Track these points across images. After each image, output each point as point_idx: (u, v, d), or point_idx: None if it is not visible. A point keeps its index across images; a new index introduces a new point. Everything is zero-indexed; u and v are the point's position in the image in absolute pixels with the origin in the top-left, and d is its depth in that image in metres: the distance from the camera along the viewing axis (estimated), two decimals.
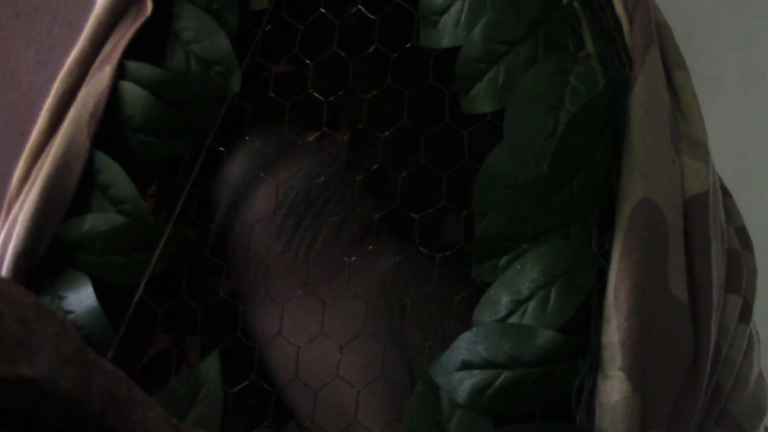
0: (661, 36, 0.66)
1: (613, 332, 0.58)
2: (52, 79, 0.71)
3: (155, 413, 0.52)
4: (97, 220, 0.68)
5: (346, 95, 0.75)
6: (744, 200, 0.74)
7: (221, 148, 0.71)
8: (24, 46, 1.06)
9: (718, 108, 1.07)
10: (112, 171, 0.68)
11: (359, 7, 0.71)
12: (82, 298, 0.67)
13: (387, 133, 0.71)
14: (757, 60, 1.15)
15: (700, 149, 0.64)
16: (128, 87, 0.69)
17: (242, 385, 0.69)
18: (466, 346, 0.61)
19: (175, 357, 0.76)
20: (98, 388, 0.48)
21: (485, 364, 0.60)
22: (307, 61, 0.72)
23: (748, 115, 1.14)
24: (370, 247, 0.72)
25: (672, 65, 0.66)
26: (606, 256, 0.60)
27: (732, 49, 1.15)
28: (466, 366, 0.61)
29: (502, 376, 0.60)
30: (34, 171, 0.69)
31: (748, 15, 1.15)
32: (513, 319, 0.61)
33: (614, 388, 0.58)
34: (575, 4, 0.65)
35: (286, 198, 0.73)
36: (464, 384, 0.60)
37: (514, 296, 0.61)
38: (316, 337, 0.69)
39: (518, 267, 0.62)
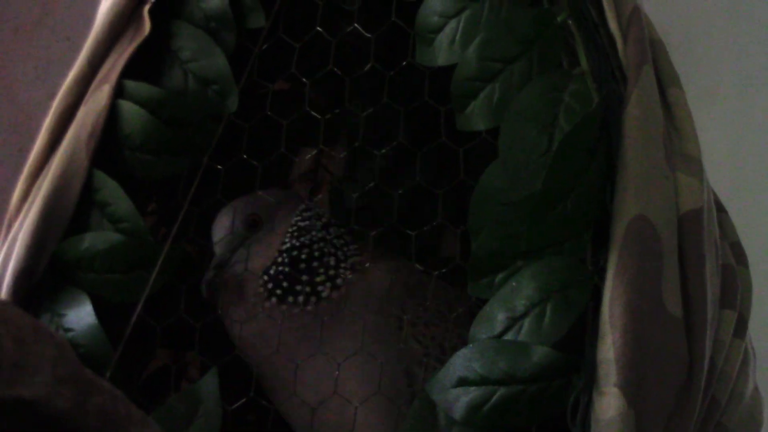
0: (655, 53, 0.67)
1: (608, 348, 0.58)
2: (51, 94, 0.71)
3: None
4: (95, 239, 0.68)
5: (343, 113, 0.75)
6: (740, 211, 0.74)
7: (219, 167, 0.71)
8: (22, 61, 1.07)
9: (714, 118, 1.07)
10: (110, 189, 0.69)
11: (355, 25, 0.71)
12: (81, 315, 0.67)
13: (383, 151, 0.71)
14: (754, 70, 1.15)
15: (695, 165, 0.64)
16: (127, 106, 0.69)
17: (241, 402, 0.69)
18: (462, 362, 0.61)
19: (174, 373, 0.76)
20: (95, 408, 0.49)
21: (481, 381, 0.60)
22: (304, 80, 0.72)
23: (744, 124, 1.14)
24: (367, 265, 0.72)
25: (666, 82, 0.66)
26: (600, 273, 0.61)
27: (728, 59, 1.15)
28: (463, 382, 0.61)
29: (498, 393, 0.60)
30: (34, 190, 0.70)
31: (745, 25, 1.15)
32: (508, 336, 0.61)
33: (609, 404, 0.58)
34: (569, 22, 0.65)
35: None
36: (461, 400, 0.61)
37: (510, 313, 0.61)
38: (311, 355, 0.69)
39: (513, 284, 0.62)
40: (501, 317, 0.61)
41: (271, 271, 0.72)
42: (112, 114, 0.69)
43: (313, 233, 0.73)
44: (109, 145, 0.69)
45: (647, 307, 0.59)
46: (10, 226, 0.70)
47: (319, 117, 0.72)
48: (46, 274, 0.68)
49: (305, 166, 0.85)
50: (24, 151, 0.71)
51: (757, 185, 1.11)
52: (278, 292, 0.71)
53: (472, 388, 0.61)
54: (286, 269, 0.71)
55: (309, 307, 0.70)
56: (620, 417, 0.57)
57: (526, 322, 0.61)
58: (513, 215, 0.62)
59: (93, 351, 0.66)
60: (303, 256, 0.72)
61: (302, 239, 0.73)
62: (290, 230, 0.74)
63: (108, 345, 0.67)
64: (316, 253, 0.72)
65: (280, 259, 0.72)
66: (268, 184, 0.76)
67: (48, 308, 0.68)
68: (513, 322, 0.61)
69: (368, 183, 0.73)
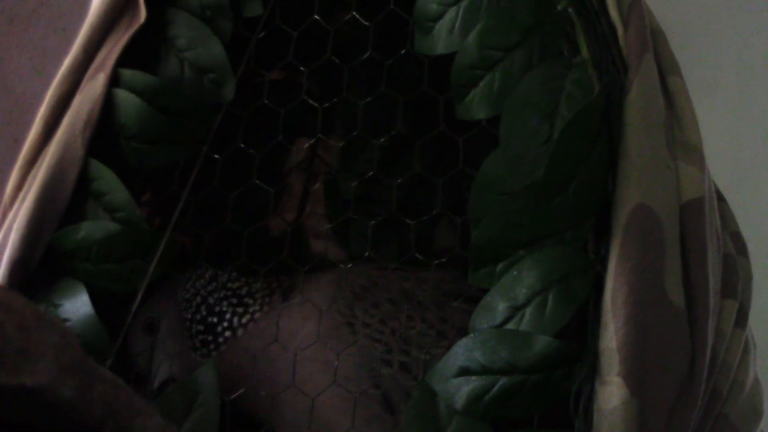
0: (655, 41, 0.66)
1: (611, 338, 0.58)
2: (47, 85, 0.71)
3: (154, 422, 0.52)
4: (91, 228, 0.68)
5: (341, 102, 0.75)
6: (740, 202, 0.74)
7: (216, 156, 0.71)
8: (18, 52, 1.06)
9: (714, 110, 1.07)
10: (106, 179, 0.68)
11: (353, 13, 0.71)
12: (77, 306, 0.67)
13: (382, 140, 0.71)
14: (754, 62, 1.15)
15: (696, 154, 0.64)
16: (122, 95, 0.69)
17: (239, 392, 0.69)
18: (463, 352, 0.61)
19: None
20: (98, 397, 0.48)
21: (483, 371, 0.60)
22: (302, 68, 0.72)
23: (744, 116, 1.14)
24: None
25: (667, 70, 0.66)
26: (602, 261, 0.60)
27: (729, 50, 1.15)
28: (464, 372, 0.60)
29: (500, 383, 0.60)
30: (29, 179, 0.69)
31: (745, 16, 1.15)
32: (510, 326, 0.61)
33: (612, 394, 0.58)
34: (570, 10, 0.65)
35: None
36: (462, 390, 0.60)
37: (511, 302, 0.61)
38: (309, 346, 0.69)
39: (515, 273, 0.62)
40: (502, 307, 0.61)
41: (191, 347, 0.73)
42: (107, 103, 0.68)
43: (198, 297, 0.74)
44: (104, 134, 0.69)
45: (649, 297, 0.59)
46: (4, 216, 0.70)
47: (316, 106, 0.72)
48: (41, 264, 0.68)
49: (301, 156, 0.84)
50: (19, 142, 0.71)
51: (758, 177, 1.11)
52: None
53: (474, 378, 0.60)
54: (198, 338, 0.72)
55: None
56: (623, 406, 0.57)
57: (528, 312, 0.60)
58: (514, 204, 0.62)
59: (90, 341, 0.66)
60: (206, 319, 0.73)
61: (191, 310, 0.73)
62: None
63: (105, 335, 0.66)
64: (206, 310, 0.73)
65: (190, 344, 0.73)
66: (265, 174, 0.75)
67: (44, 298, 0.67)
68: (514, 311, 0.61)
69: (366, 173, 0.73)
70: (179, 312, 0.73)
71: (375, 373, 0.69)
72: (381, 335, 0.70)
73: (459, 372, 0.61)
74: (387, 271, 0.73)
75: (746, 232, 0.71)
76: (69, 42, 0.72)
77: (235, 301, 0.72)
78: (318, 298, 0.71)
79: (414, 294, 0.72)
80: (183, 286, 0.74)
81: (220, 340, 0.71)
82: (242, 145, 0.73)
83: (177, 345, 0.73)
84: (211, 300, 0.72)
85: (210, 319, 0.72)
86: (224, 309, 0.72)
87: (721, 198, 0.71)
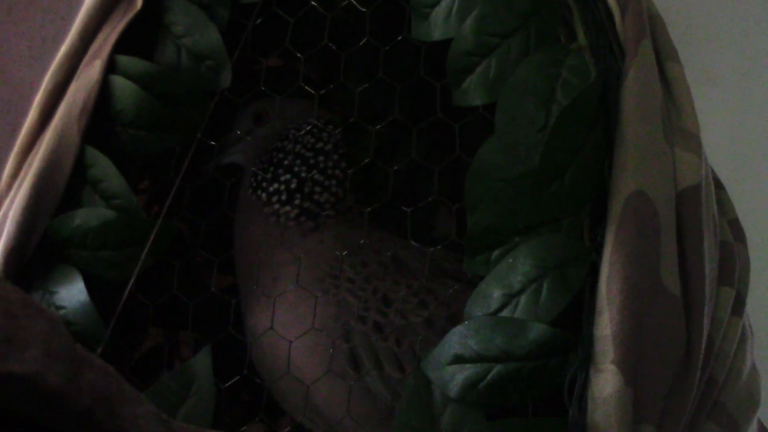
0: (653, 27, 0.66)
1: (605, 325, 0.58)
2: (45, 73, 0.71)
3: (145, 409, 0.52)
4: (87, 215, 0.68)
5: (338, 89, 0.74)
6: (739, 192, 0.73)
7: (212, 143, 0.71)
8: (16, 41, 1.06)
9: (713, 100, 1.06)
10: (102, 166, 0.68)
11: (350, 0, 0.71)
12: (73, 293, 0.67)
13: (378, 127, 0.71)
14: (754, 52, 1.14)
15: (693, 141, 0.64)
16: (119, 81, 0.68)
17: (234, 380, 0.68)
18: (457, 340, 0.61)
19: (167, 352, 0.76)
20: (87, 385, 0.48)
21: (477, 358, 0.60)
22: (298, 55, 0.71)
23: (743, 106, 1.13)
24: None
25: (664, 57, 0.66)
26: (598, 249, 0.60)
27: (728, 40, 1.14)
28: (458, 360, 0.60)
29: (494, 370, 0.59)
30: (25, 166, 0.69)
31: (745, 6, 1.14)
32: (505, 313, 0.60)
33: (606, 381, 0.57)
34: None
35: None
36: (456, 378, 0.60)
37: (506, 290, 0.61)
38: (308, 332, 0.69)
39: (510, 260, 0.61)
40: (497, 294, 0.61)
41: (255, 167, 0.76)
42: (103, 89, 0.68)
43: (298, 147, 0.75)
44: (100, 121, 0.68)
45: (645, 284, 0.59)
46: (0, 203, 0.70)
47: (313, 93, 0.71)
48: (37, 252, 0.68)
49: None
50: (17, 131, 0.71)
51: (757, 167, 1.10)
52: (257, 186, 0.75)
53: (468, 366, 0.60)
54: (265, 167, 0.75)
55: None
56: (618, 394, 0.57)
57: (523, 299, 0.60)
58: (510, 191, 0.62)
59: (85, 329, 0.66)
60: (284, 161, 0.75)
61: (288, 146, 0.75)
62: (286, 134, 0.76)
63: (100, 323, 0.66)
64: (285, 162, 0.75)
65: (266, 157, 0.76)
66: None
67: (40, 286, 0.67)
68: (509, 299, 0.61)
69: (362, 159, 0.72)
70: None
71: (348, 328, 0.69)
72: (362, 292, 0.70)
73: (453, 360, 0.60)
74: (388, 237, 0.74)
75: (745, 223, 0.71)
76: (68, 30, 0.72)
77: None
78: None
79: (406, 262, 0.72)
80: (308, 124, 0.76)
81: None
82: (238, 132, 0.73)
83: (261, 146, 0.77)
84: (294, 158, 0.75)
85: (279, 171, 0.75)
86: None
87: (719, 185, 0.70)
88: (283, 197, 0.74)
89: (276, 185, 0.74)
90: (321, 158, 0.75)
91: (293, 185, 0.74)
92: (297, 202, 0.73)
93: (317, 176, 0.74)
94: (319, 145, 0.75)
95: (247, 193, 0.76)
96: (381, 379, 0.68)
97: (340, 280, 0.70)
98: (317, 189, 0.74)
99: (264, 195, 0.74)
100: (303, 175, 0.74)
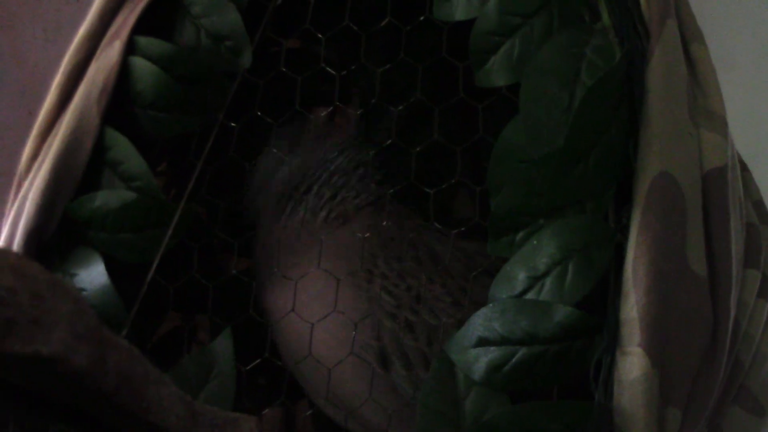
0: (678, 7, 0.65)
1: (632, 308, 0.58)
2: (60, 57, 0.70)
3: (169, 391, 0.52)
4: (107, 197, 0.67)
5: (359, 70, 0.74)
6: (757, 177, 0.73)
7: (233, 124, 0.70)
8: (31, 24, 1.06)
9: (730, 85, 1.06)
10: (122, 147, 0.68)
11: None
12: (93, 275, 0.66)
13: (400, 108, 0.70)
14: None
15: (718, 122, 0.63)
16: (138, 62, 0.68)
17: (255, 362, 0.68)
18: (482, 322, 0.60)
19: (187, 336, 0.76)
20: (113, 366, 0.48)
21: (502, 341, 0.59)
22: (319, 35, 0.71)
23: (760, 92, 1.13)
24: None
25: (689, 37, 0.65)
26: (623, 231, 0.60)
27: (744, 26, 1.14)
28: (483, 343, 0.60)
29: (519, 353, 0.59)
30: (44, 148, 0.69)
31: None
32: (530, 295, 0.60)
33: (633, 364, 0.57)
34: None
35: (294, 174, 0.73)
36: (480, 361, 0.60)
37: (531, 272, 0.60)
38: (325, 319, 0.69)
39: (534, 242, 0.61)
40: (522, 276, 0.60)
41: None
42: (123, 71, 0.68)
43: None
44: (120, 102, 0.68)
45: (671, 266, 0.58)
46: (20, 185, 0.69)
47: (334, 73, 0.71)
48: (57, 234, 0.67)
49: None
50: (34, 114, 0.71)
51: None
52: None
53: (493, 348, 0.60)
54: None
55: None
56: (644, 377, 0.57)
57: (548, 282, 0.60)
58: (534, 173, 0.61)
59: (106, 311, 0.65)
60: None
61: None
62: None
63: (121, 305, 0.66)
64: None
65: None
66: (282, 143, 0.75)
67: (59, 268, 0.67)
68: (534, 281, 0.60)
69: (384, 141, 0.72)
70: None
71: (379, 326, 0.68)
72: (396, 288, 0.69)
73: (478, 342, 0.60)
74: (421, 226, 0.73)
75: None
76: (83, 13, 0.71)
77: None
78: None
79: (442, 258, 0.71)
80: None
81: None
82: (259, 114, 0.72)
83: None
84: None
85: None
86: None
87: (744, 167, 0.70)
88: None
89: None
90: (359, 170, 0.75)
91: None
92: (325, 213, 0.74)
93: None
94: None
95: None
96: (409, 379, 0.68)
97: (373, 275, 0.70)
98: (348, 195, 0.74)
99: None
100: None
